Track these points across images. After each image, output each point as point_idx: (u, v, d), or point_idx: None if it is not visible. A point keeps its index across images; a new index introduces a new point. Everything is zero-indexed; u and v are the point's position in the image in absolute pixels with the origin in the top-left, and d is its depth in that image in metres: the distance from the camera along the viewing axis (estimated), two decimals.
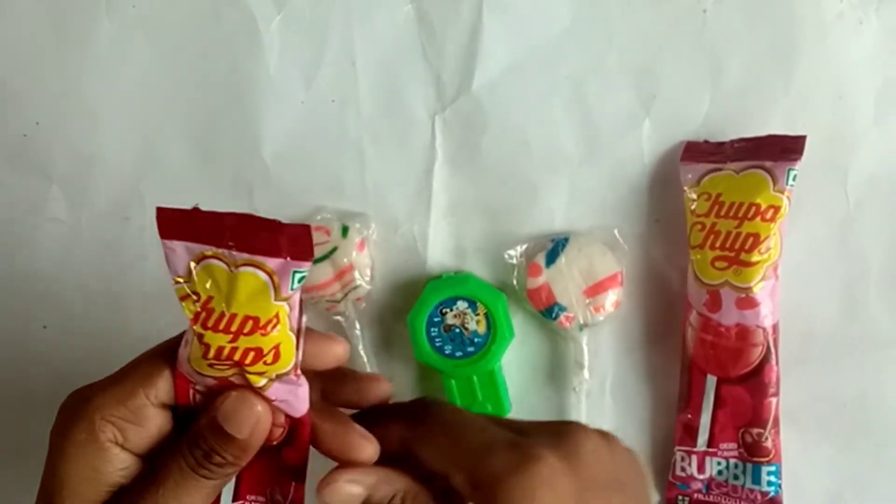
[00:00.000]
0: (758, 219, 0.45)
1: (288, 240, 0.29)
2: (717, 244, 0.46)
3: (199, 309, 0.29)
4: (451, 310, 0.48)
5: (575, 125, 0.50)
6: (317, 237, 0.49)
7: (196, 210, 0.29)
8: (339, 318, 0.50)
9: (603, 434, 0.33)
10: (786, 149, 0.46)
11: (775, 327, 0.47)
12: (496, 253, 0.50)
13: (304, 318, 0.31)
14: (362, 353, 0.50)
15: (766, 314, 0.46)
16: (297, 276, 0.29)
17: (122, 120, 0.51)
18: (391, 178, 0.50)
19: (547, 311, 0.49)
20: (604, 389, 0.51)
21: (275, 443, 0.32)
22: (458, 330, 0.48)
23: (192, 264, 0.29)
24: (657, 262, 0.50)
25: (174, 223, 0.29)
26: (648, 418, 0.51)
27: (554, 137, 0.50)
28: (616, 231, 0.49)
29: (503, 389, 0.49)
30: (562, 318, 0.48)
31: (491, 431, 0.31)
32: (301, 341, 0.31)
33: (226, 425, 0.30)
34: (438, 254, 0.51)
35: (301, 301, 0.30)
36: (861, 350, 0.49)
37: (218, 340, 0.29)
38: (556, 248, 0.49)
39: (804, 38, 0.48)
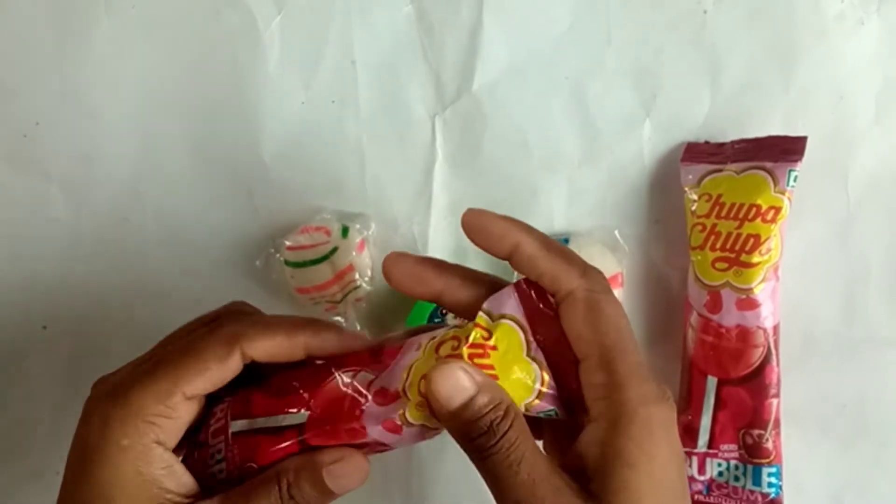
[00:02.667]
0: (758, 220, 0.45)
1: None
2: (718, 245, 0.46)
3: (480, 343, 0.31)
4: None
5: (575, 126, 0.50)
6: (316, 238, 0.49)
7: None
8: (338, 318, 0.50)
9: None
10: (786, 150, 0.46)
11: (776, 328, 0.47)
12: None
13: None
14: None
15: (767, 315, 0.46)
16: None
17: (122, 120, 0.50)
18: (391, 179, 0.50)
19: None
20: None
21: None
22: None
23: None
24: (657, 264, 0.50)
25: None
26: None
27: (554, 138, 0.50)
28: (616, 232, 0.49)
29: None
30: None
31: (639, 353, 0.32)
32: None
33: (332, 484, 0.32)
34: (439, 254, 0.51)
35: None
36: (861, 351, 0.49)
37: None
38: None
39: (804, 39, 0.48)
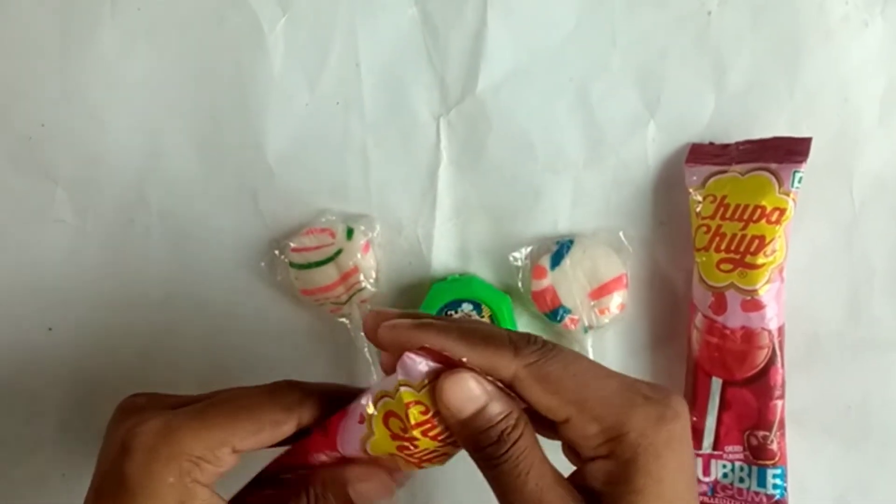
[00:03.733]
0: (763, 221, 0.45)
1: None
2: (723, 246, 0.46)
3: (425, 419, 0.30)
4: (456, 312, 0.48)
5: (579, 127, 0.50)
6: (321, 239, 0.49)
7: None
8: (343, 320, 0.50)
9: None
10: (791, 151, 0.46)
11: (781, 330, 0.47)
12: (501, 255, 0.50)
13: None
14: (367, 355, 0.50)
15: (772, 316, 0.46)
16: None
17: (127, 122, 0.51)
18: (395, 181, 0.50)
19: (552, 314, 0.49)
20: None
21: None
22: None
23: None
24: (662, 265, 0.50)
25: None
26: None
27: (558, 140, 0.50)
28: (621, 233, 0.49)
29: None
30: (567, 320, 0.48)
31: (617, 380, 0.31)
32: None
33: (358, 500, 0.33)
34: (443, 256, 0.51)
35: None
36: (866, 352, 0.49)
37: (427, 444, 0.31)
38: (560, 250, 0.49)
39: (809, 40, 0.48)
